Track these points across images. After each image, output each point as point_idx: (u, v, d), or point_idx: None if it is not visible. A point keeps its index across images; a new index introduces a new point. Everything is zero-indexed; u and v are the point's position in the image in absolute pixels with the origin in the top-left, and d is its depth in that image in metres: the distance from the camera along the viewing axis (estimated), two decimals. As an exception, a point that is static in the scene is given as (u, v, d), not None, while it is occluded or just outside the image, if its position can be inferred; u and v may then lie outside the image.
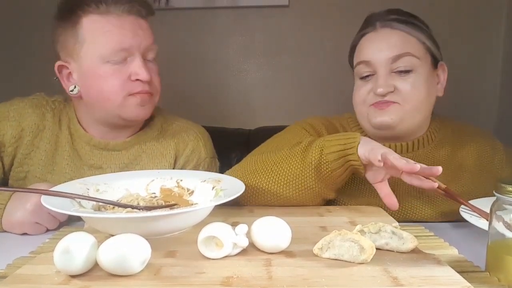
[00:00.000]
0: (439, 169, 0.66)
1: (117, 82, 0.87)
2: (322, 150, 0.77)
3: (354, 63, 0.92)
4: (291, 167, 0.79)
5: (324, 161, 0.76)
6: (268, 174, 0.81)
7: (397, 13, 0.90)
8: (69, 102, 0.99)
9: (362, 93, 0.90)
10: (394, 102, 0.86)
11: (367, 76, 0.89)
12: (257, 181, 0.80)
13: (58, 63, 0.90)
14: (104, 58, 0.86)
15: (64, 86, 0.92)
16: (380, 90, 0.85)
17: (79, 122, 0.96)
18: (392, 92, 0.86)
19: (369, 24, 0.90)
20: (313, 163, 0.77)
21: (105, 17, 0.86)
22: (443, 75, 0.93)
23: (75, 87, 0.90)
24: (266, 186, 0.80)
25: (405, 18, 0.89)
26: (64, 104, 0.98)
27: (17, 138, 0.93)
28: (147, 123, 1.01)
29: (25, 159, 0.94)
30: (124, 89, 0.87)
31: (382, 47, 0.87)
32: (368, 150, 0.73)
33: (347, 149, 0.75)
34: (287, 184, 0.79)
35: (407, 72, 0.86)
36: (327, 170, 0.77)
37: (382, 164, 0.70)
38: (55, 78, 0.92)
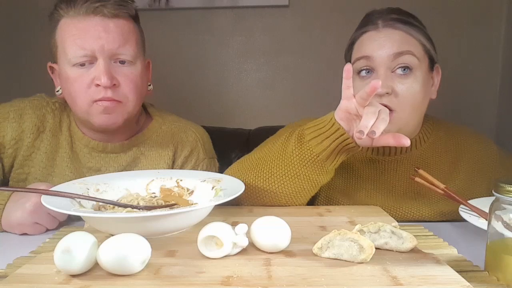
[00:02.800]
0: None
1: (82, 86, 0.85)
2: (302, 138, 0.77)
3: (353, 59, 0.91)
4: (273, 159, 0.80)
5: (307, 148, 0.77)
6: (253, 171, 0.81)
7: (398, 13, 0.89)
8: None
9: None
10: (392, 111, 0.84)
11: (366, 71, 0.87)
12: (245, 180, 0.80)
13: (48, 64, 0.93)
14: (70, 62, 0.85)
15: (55, 86, 0.94)
16: (378, 91, 0.83)
17: (77, 125, 0.96)
18: (389, 94, 0.84)
19: (370, 22, 0.89)
20: (294, 152, 0.78)
21: (73, 20, 0.84)
22: (437, 77, 0.92)
23: (60, 88, 0.92)
24: (253, 183, 0.81)
25: (406, 18, 0.88)
26: (65, 106, 0.97)
27: (17, 139, 0.92)
28: (146, 125, 1.00)
29: (26, 160, 0.94)
30: (88, 94, 0.85)
31: (384, 44, 0.86)
32: (340, 109, 0.75)
33: (326, 125, 0.75)
34: (271, 177, 0.80)
35: (406, 71, 0.85)
36: (312, 155, 0.77)
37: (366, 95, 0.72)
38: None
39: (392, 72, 0.85)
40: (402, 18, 0.88)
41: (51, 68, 0.93)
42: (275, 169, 0.80)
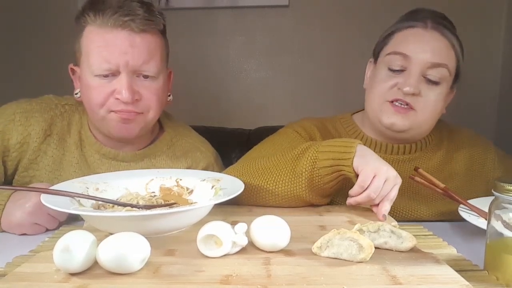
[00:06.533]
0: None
1: (101, 96, 0.85)
2: (315, 163, 0.75)
3: (388, 50, 0.89)
4: (281, 174, 0.78)
5: (317, 175, 0.75)
6: (259, 177, 0.80)
7: (445, 18, 0.89)
8: (83, 107, 0.95)
9: (386, 86, 0.87)
10: (411, 109, 0.85)
11: (398, 70, 0.87)
12: (249, 183, 0.80)
13: (70, 65, 0.92)
14: (93, 72, 0.84)
15: (75, 87, 0.93)
16: (407, 89, 0.83)
17: (90, 129, 0.95)
18: (415, 95, 0.84)
19: (418, 18, 0.88)
20: (304, 174, 0.76)
21: (100, 30, 0.83)
22: (450, 95, 0.93)
23: (79, 91, 0.92)
24: (258, 189, 0.80)
25: (451, 27, 0.88)
26: (77, 108, 0.96)
27: (23, 143, 0.91)
28: (158, 136, 1.00)
29: (31, 164, 0.92)
30: (106, 105, 0.85)
31: (427, 49, 0.85)
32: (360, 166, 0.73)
33: (341, 159, 0.73)
34: (277, 189, 0.78)
35: (435, 83, 0.85)
36: (319, 183, 0.76)
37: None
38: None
39: (423, 76, 0.85)
40: (448, 25, 0.87)
41: (72, 70, 0.92)
42: (281, 183, 0.78)
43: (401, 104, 0.86)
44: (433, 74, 0.85)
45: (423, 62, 0.84)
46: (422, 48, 0.85)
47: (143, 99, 0.86)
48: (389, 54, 0.88)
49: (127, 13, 0.82)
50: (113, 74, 0.84)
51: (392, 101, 0.87)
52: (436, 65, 0.84)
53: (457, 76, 0.90)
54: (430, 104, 0.86)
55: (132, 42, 0.83)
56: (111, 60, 0.82)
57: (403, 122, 0.86)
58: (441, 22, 0.87)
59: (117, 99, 0.84)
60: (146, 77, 0.86)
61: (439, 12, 0.90)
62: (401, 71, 0.87)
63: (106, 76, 0.84)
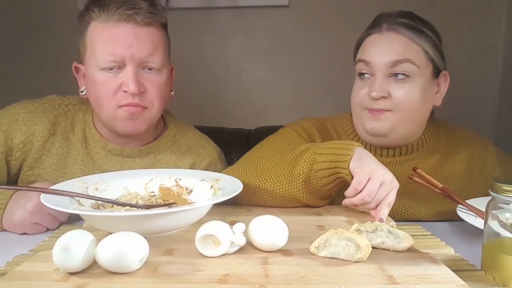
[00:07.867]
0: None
1: (109, 90, 0.85)
2: (312, 165, 0.76)
3: (356, 60, 0.92)
4: (279, 176, 0.79)
5: (314, 177, 0.76)
6: (258, 178, 0.80)
7: (407, 17, 0.88)
8: (86, 105, 0.97)
9: (360, 95, 0.89)
10: (386, 110, 0.86)
11: (365, 74, 0.89)
12: (248, 184, 0.80)
13: (74, 63, 0.93)
14: (98, 66, 0.85)
15: (79, 86, 0.94)
16: (373, 94, 0.85)
17: (95, 127, 0.96)
18: (385, 98, 0.85)
19: (376, 24, 0.90)
20: (301, 176, 0.76)
21: (105, 25, 0.84)
22: (444, 84, 0.92)
23: (84, 89, 0.92)
24: (256, 190, 0.80)
25: (414, 23, 0.88)
26: (80, 106, 0.97)
27: (26, 142, 0.91)
28: (162, 132, 1.01)
29: (36, 163, 0.93)
30: (114, 99, 0.86)
31: (383, 51, 0.86)
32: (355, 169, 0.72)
33: (339, 161, 0.74)
34: (275, 190, 0.79)
35: (403, 78, 0.85)
36: (316, 185, 0.76)
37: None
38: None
39: (390, 76, 0.86)
40: (409, 23, 0.87)
41: (76, 68, 0.93)
42: (278, 185, 0.79)
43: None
44: (398, 71, 0.85)
45: (383, 63, 0.85)
46: (379, 51, 0.87)
47: (147, 91, 0.87)
48: (356, 63, 0.91)
49: (131, 7, 0.84)
50: (119, 67, 0.85)
51: (367, 109, 0.88)
52: (397, 62, 0.85)
53: (436, 67, 0.89)
54: (404, 101, 0.85)
55: (137, 34, 0.84)
56: (116, 53, 0.83)
57: (381, 124, 0.87)
58: (398, 22, 0.87)
59: (125, 91, 0.85)
60: (150, 69, 0.88)
61: (403, 11, 0.90)
62: (369, 77, 0.88)
63: (111, 69, 0.85)
